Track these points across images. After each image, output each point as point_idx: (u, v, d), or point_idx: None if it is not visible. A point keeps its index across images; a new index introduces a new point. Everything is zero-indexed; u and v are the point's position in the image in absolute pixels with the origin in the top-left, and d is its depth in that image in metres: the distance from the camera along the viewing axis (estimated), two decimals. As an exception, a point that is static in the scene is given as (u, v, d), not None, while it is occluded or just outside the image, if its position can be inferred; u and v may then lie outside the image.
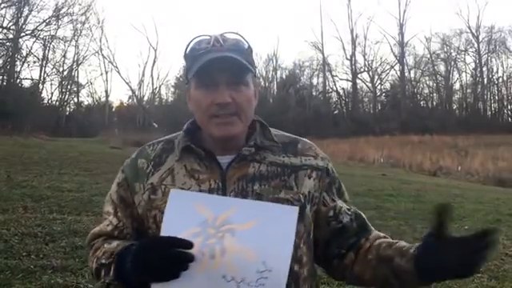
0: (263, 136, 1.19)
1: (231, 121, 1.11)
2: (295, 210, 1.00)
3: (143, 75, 43.23)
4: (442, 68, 43.25)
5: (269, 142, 1.18)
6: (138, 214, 1.19)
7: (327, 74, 42.25)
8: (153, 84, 43.34)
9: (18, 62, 30.80)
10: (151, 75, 43.61)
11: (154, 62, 41.78)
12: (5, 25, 28.17)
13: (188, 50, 1.15)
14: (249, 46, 1.15)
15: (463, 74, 43.82)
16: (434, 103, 44.13)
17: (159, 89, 44.34)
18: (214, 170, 1.14)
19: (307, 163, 1.19)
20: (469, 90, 43.21)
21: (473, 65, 42.54)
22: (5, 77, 29.84)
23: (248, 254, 0.93)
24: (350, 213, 1.21)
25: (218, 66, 1.08)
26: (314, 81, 43.47)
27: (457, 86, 43.68)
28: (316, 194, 1.18)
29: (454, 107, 43.78)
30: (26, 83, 32.76)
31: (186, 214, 1.00)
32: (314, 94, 43.09)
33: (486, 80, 42.21)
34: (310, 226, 1.17)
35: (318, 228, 1.19)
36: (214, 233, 0.97)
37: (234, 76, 1.11)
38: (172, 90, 45.48)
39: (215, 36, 1.12)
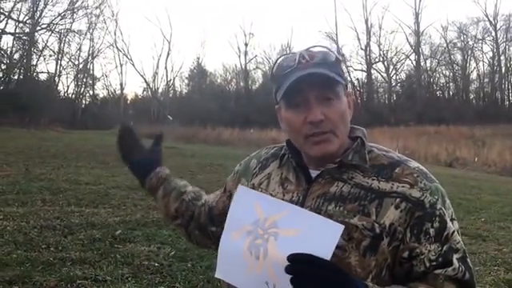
0: (358, 154, 1.11)
1: (327, 138, 1.07)
2: (340, 228, 0.95)
3: (157, 67, 43.76)
4: (458, 57, 42.78)
5: (360, 160, 1.10)
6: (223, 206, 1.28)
7: (341, 64, 41.97)
8: (167, 76, 43.68)
9: (34, 56, 31.25)
10: (165, 67, 43.88)
11: (168, 54, 42.01)
12: (21, 19, 28.52)
13: (274, 69, 1.13)
14: (337, 58, 1.11)
15: (480, 64, 43.27)
16: (451, 93, 43.65)
17: (173, 81, 44.60)
18: (301, 183, 1.13)
19: (398, 190, 1.05)
20: (486, 80, 42.66)
21: (490, 54, 42.00)
22: (21, 70, 30.25)
23: (283, 262, 0.93)
24: (428, 265, 1.03)
25: (305, 83, 1.05)
26: (329, 71, 43.12)
27: (474, 75, 43.23)
28: (400, 228, 1.04)
29: (471, 97, 43.26)
30: (43, 76, 33.30)
31: (246, 211, 1.03)
32: (328, 84, 42.85)
33: (503, 69, 41.51)
34: (384, 263, 1.04)
35: (394, 266, 1.06)
36: (261, 234, 0.99)
37: (324, 91, 1.07)
38: (186, 81, 45.74)
39: (300, 52, 1.09)
